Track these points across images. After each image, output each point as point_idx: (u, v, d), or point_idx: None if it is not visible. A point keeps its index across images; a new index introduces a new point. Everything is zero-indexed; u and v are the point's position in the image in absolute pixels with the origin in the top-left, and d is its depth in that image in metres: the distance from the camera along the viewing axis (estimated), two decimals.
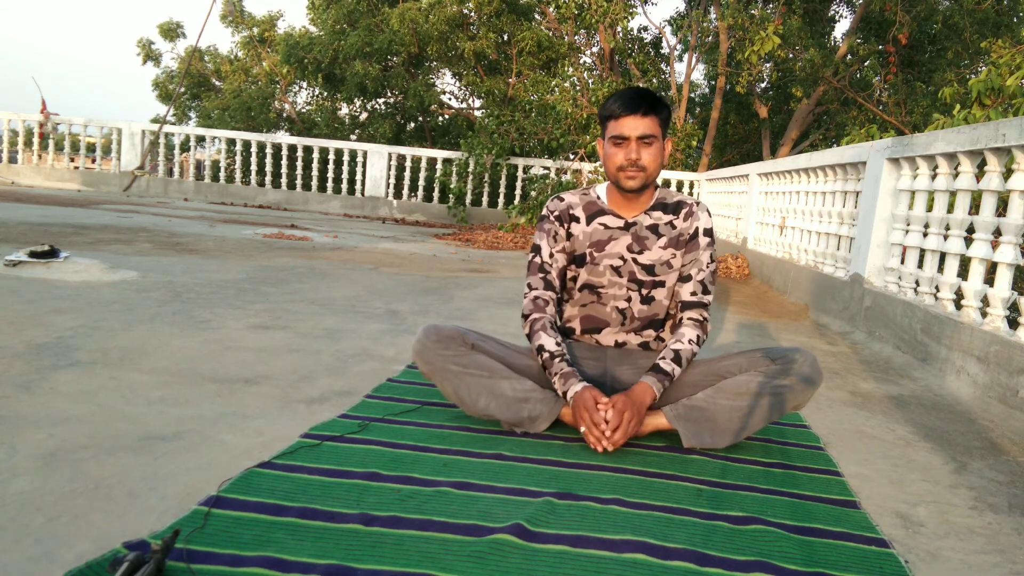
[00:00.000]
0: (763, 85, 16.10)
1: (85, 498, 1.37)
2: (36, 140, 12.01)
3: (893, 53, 12.72)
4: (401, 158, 12.53)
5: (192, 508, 1.35)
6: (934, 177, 3.72)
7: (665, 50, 16.91)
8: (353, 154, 12.18)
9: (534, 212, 9.85)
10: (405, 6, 14.57)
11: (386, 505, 1.43)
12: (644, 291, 2.02)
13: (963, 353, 2.93)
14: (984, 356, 2.78)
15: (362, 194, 12.03)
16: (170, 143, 12.14)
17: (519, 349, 2.09)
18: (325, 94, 17.90)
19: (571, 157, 11.32)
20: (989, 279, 3.18)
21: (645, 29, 18.02)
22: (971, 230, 3.24)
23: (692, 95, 17.62)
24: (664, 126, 1.91)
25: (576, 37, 14.58)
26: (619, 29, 12.93)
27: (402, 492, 1.50)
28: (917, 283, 3.64)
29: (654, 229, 2.01)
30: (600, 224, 2.02)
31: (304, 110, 19.08)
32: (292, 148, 12.67)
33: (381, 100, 17.60)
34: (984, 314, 3.05)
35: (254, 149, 12.01)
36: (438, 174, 11.80)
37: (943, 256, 3.50)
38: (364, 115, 18.25)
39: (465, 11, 14.52)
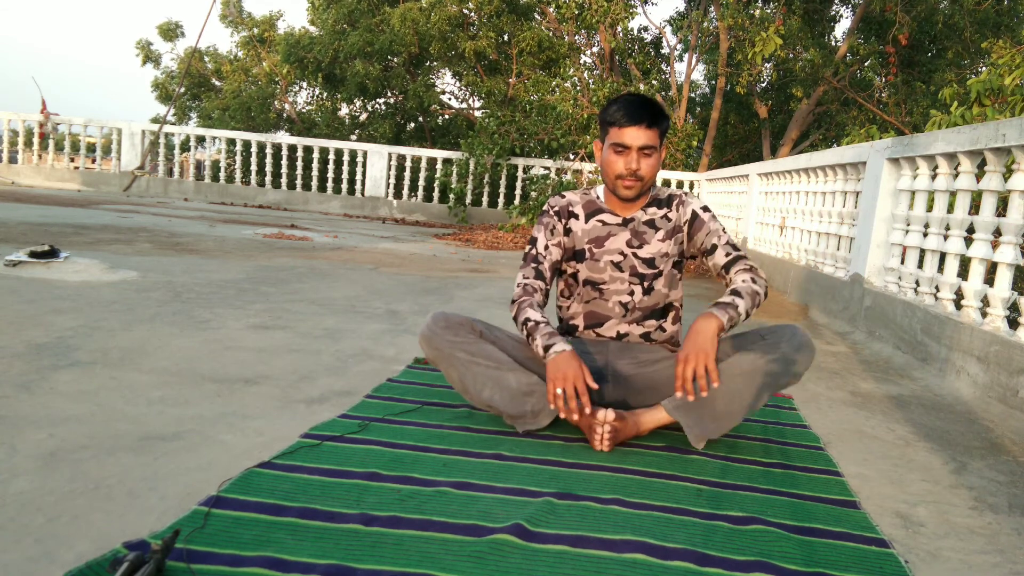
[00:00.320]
0: (763, 85, 16.10)
1: (85, 498, 1.37)
2: (36, 140, 12.01)
3: (893, 54, 12.72)
4: (401, 158, 12.53)
5: (192, 508, 1.35)
6: (934, 177, 3.72)
7: (665, 50, 16.91)
8: (353, 154, 12.18)
9: (534, 212, 9.85)
10: (406, 6, 14.58)
11: (386, 505, 1.43)
12: (646, 284, 2.04)
13: (963, 353, 2.93)
14: (984, 356, 2.78)
15: (362, 194, 12.03)
16: (170, 143, 12.14)
17: (526, 342, 2.09)
18: (325, 94, 17.90)
19: (571, 157, 11.32)
20: (989, 279, 3.18)
21: (645, 29, 18.03)
22: (971, 230, 3.24)
23: (692, 95, 17.62)
24: (663, 136, 1.96)
25: (576, 37, 14.58)
26: (619, 29, 12.92)
27: (402, 492, 1.50)
28: (917, 283, 3.64)
29: (651, 224, 2.05)
30: (599, 221, 2.05)
31: (304, 110, 19.09)
32: (292, 148, 12.68)
33: (381, 100, 17.60)
34: (984, 314, 3.05)
35: (254, 149, 12.01)
36: (438, 174, 11.80)
37: (943, 256, 3.50)
38: (364, 115, 18.25)
39: (466, 11, 14.52)
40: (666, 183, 11.49)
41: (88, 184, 11.77)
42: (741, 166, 8.18)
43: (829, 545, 1.43)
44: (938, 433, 2.33)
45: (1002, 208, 3.64)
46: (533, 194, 10.39)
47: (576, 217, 2.07)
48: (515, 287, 2.04)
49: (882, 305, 3.79)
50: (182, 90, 18.43)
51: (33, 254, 3.85)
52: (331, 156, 12.04)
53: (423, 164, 12.08)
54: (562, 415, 1.81)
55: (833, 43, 14.99)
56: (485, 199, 12.06)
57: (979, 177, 3.26)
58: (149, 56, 18.91)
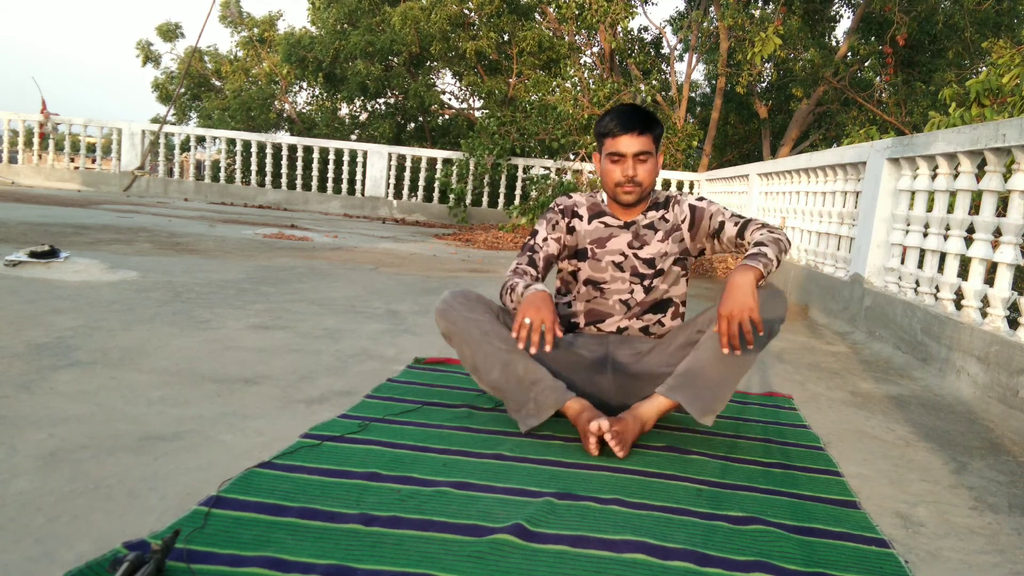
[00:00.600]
0: (763, 85, 16.10)
1: (85, 498, 1.37)
2: (36, 140, 12.01)
3: (891, 54, 12.71)
4: (401, 158, 12.53)
5: (192, 508, 1.35)
6: (934, 177, 3.72)
7: (665, 50, 16.91)
8: (353, 154, 12.18)
9: (535, 213, 9.85)
10: (407, 5, 14.57)
11: (386, 505, 1.43)
12: (646, 283, 2.09)
13: (963, 353, 2.93)
14: (984, 356, 2.78)
15: (362, 194, 12.03)
16: (170, 143, 12.14)
17: (563, 341, 2.11)
18: (325, 94, 17.90)
19: (571, 157, 11.31)
20: (989, 279, 3.18)
21: (645, 29, 18.01)
22: (971, 230, 3.24)
23: (692, 95, 17.62)
24: (658, 141, 2.02)
25: (577, 37, 14.58)
26: (619, 29, 12.92)
27: (402, 492, 1.51)
28: (917, 283, 3.64)
29: (651, 227, 2.10)
30: (601, 223, 2.11)
31: (304, 110, 19.08)
32: (292, 148, 12.67)
33: (381, 100, 17.60)
34: (984, 314, 3.05)
35: (254, 149, 12.01)
36: (438, 174, 11.80)
37: (943, 256, 3.50)
38: (364, 115, 18.25)
39: (466, 11, 14.52)
40: (666, 183, 11.49)
41: (88, 184, 11.76)
42: (741, 166, 8.18)
43: (829, 545, 1.43)
44: (938, 433, 2.33)
45: (1002, 208, 3.63)
46: (533, 194, 10.39)
47: (580, 217, 2.12)
48: (507, 273, 2.07)
49: (882, 305, 3.79)
50: (182, 90, 18.43)
51: (33, 254, 3.85)
52: (331, 156, 12.04)
53: (423, 164, 12.07)
54: (520, 345, 1.81)
55: (833, 43, 14.99)
56: (485, 199, 12.06)
57: (979, 177, 3.26)
58: (149, 56, 18.90)
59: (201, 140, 12.92)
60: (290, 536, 1.28)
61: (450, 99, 18.42)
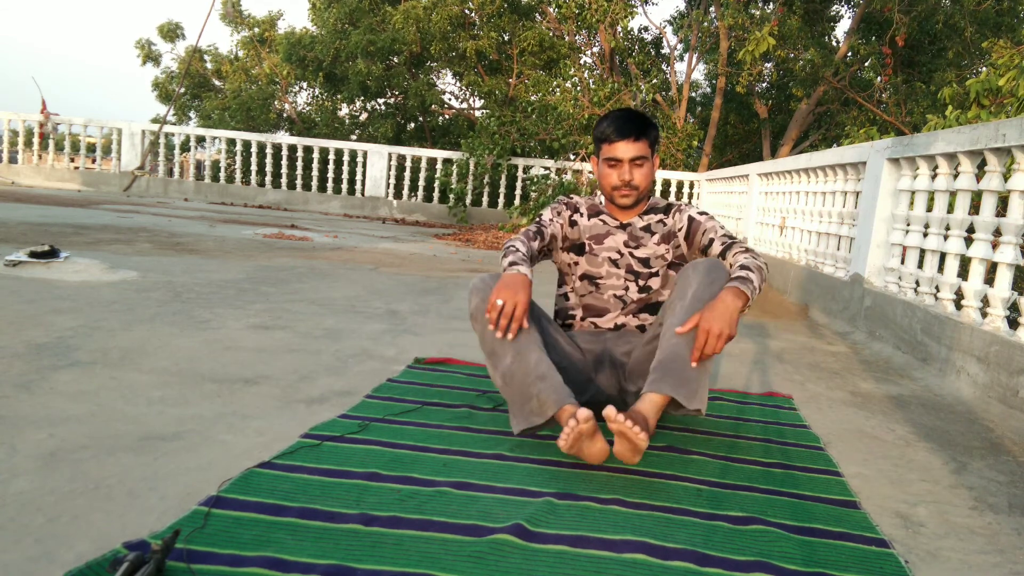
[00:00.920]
0: (763, 85, 16.10)
1: (85, 498, 1.37)
2: (36, 140, 12.01)
3: (891, 54, 12.71)
4: (401, 158, 12.54)
5: (192, 508, 1.35)
6: (934, 177, 3.72)
7: (665, 50, 16.92)
8: (353, 154, 12.19)
9: (534, 213, 9.86)
10: (408, 4, 14.57)
11: (386, 505, 1.43)
12: (641, 281, 2.15)
13: (963, 353, 2.93)
14: (984, 356, 2.78)
15: (362, 194, 12.03)
16: (170, 143, 12.14)
17: (564, 336, 2.11)
18: (325, 94, 17.89)
19: (572, 158, 11.32)
20: (989, 279, 3.18)
21: (646, 29, 18.04)
22: (971, 230, 3.24)
23: (692, 95, 17.63)
24: (653, 146, 2.08)
25: (577, 37, 14.59)
26: (619, 29, 12.93)
27: (402, 492, 1.51)
28: (917, 283, 3.64)
29: (647, 229, 2.17)
30: (599, 220, 2.18)
31: (304, 110, 19.08)
32: (292, 148, 12.68)
33: (381, 100, 17.60)
34: (984, 314, 3.05)
35: (254, 149, 12.01)
36: (438, 174, 11.80)
37: (943, 256, 3.50)
38: (364, 115, 18.25)
39: (467, 11, 14.52)
40: (666, 183, 11.50)
41: (88, 184, 11.77)
42: (741, 166, 8.18)
43: (829, 545, 1.43)
44: (938, 433, 2.33)
45: (1002, 208, 3.63)
46: (533, 194, 10.39)
47: (581, 214, 2.20)
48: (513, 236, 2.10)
49: (882, 305, 3.79)
50: (182, 90, 18.43)
51: (33, 254, 3.85)
52: (331, 156, 12.04)
53: (423, 164, 12.08)
54: (490, 327, 1.82)
55: (833, 43, 14.99)
56: (485, 199, 12.06)
57: (979, 177, 3.26)
58: (149, 56, 18.92)
59: (201, 140, 12.93)
60: (290, 536, 1.28)
61: (450, 99, 18.43)
